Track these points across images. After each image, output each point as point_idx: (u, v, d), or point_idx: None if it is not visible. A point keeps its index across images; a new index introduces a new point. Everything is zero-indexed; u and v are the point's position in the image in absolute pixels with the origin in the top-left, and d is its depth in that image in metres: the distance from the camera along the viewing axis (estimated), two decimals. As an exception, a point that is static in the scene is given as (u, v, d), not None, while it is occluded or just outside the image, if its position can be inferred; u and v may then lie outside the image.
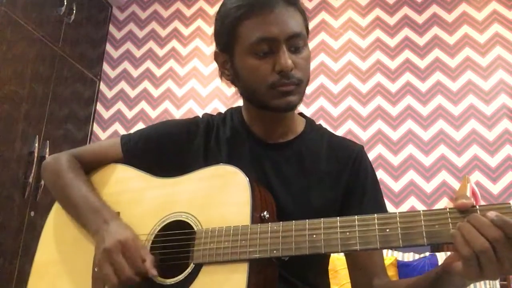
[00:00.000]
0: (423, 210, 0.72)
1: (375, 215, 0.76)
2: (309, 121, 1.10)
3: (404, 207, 2.54)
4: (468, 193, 2.35)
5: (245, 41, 0.92)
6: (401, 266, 2.19)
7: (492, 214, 0.66)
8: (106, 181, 1.06)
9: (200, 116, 1.12)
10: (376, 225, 0.75)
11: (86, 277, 0.95)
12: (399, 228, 0.73)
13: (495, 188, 2.46)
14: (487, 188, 2.47)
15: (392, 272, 2.16)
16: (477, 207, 0.69)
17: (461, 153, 2.56)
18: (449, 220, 0.70)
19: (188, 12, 3.22)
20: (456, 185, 2.50)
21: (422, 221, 0.72)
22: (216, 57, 1.02)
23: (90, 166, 1.09)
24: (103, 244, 0.88)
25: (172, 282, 0.86)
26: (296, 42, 0.93)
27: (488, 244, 0.65)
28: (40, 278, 1.03)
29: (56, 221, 1.08)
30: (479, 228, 0.66)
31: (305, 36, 0.96)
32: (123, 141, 1.09)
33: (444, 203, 2.51)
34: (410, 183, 2.58)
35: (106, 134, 3.09)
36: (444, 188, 2.53)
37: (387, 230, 0.74)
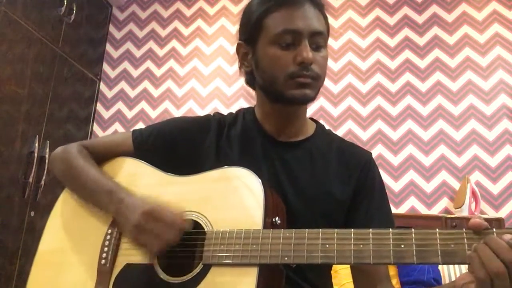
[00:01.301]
0: (438, 229, 0.72)
1: (390, 229, 0.75)
2: (320, 126, 1.12)
3: (404, 207, 2.54)
4: (468, 193, 2.35)
5: (270, 32, 0.96)
6: (401, 265, 2.19)
7: (508, 237, 0.67)
8: (115, 174, 1.06)
9: (211, 114, 1.13)
10: (391, 240, 0.74)
11: (91, 269, 0.95)
12: (414, 245, 0.72)
13: (495, 188, 2.46)
14: (487, 188, 2.47)
15: (392, 272, 2.16)
16: (494, 229, 0.70)
17: (461, 153, 2.56)
18: (465, 241, 0.70)
19: (188, 12, 3.22)
20: (456, 185, 2.50)
21: (438, 240, 0.71)
22: (238, 48, 1.05)
23: (99, 158, 1.09)
24: (129, 223, 0.88)
25: (179, 281, 0.86)
26: (318, 40, 0.97)
27: (504, 268, 0.66)
28: (43, 267, 1.03)
29: (63, 211, 1.07)
30: (495, 250, 0.67)
31: (326, 38, 1.00)
32: (134, 135, 1.10)
33: (444, 203, 2.51)
34: (410, 183, 2.58)
35: (106, 134, 3.08)
36: (444, 188, 2.53)
37: (402, 245, 0.73)
